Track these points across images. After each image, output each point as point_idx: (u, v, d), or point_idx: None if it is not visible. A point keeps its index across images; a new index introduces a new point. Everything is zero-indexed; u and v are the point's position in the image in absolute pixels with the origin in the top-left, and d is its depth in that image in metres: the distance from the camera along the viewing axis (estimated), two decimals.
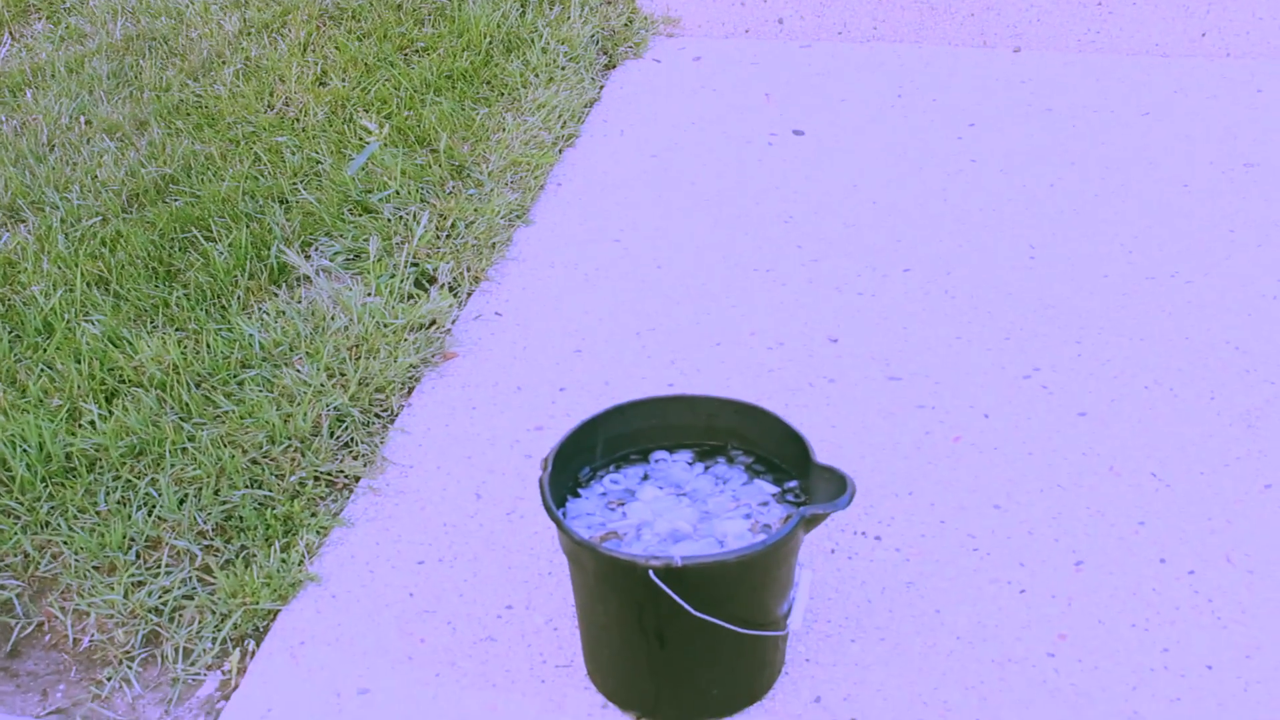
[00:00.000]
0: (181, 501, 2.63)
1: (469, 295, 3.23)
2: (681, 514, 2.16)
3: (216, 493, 2.64)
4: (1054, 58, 4.22)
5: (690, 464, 2.27)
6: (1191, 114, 3.87)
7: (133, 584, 2.49)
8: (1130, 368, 2.91)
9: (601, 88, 4.16)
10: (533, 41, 4.16)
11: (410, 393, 2.94)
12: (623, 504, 2.19)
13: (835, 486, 2.07)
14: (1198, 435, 2.72)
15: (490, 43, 4.12)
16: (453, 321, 3.13)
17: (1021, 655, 2.28)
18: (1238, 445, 2.70)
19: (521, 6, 4.32)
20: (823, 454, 2.26)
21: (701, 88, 4.19)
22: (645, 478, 2.25)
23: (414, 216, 3.39)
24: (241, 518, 2.59)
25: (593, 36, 4.29)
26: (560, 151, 3.80)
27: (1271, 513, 2.54)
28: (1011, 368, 2.93)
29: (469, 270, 3.27)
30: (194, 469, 2.68)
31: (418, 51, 4.12)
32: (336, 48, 4.12)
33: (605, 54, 4.31)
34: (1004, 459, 2.69)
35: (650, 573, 1.94)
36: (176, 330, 3.04)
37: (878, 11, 4.37)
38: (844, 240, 3.38)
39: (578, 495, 2.21)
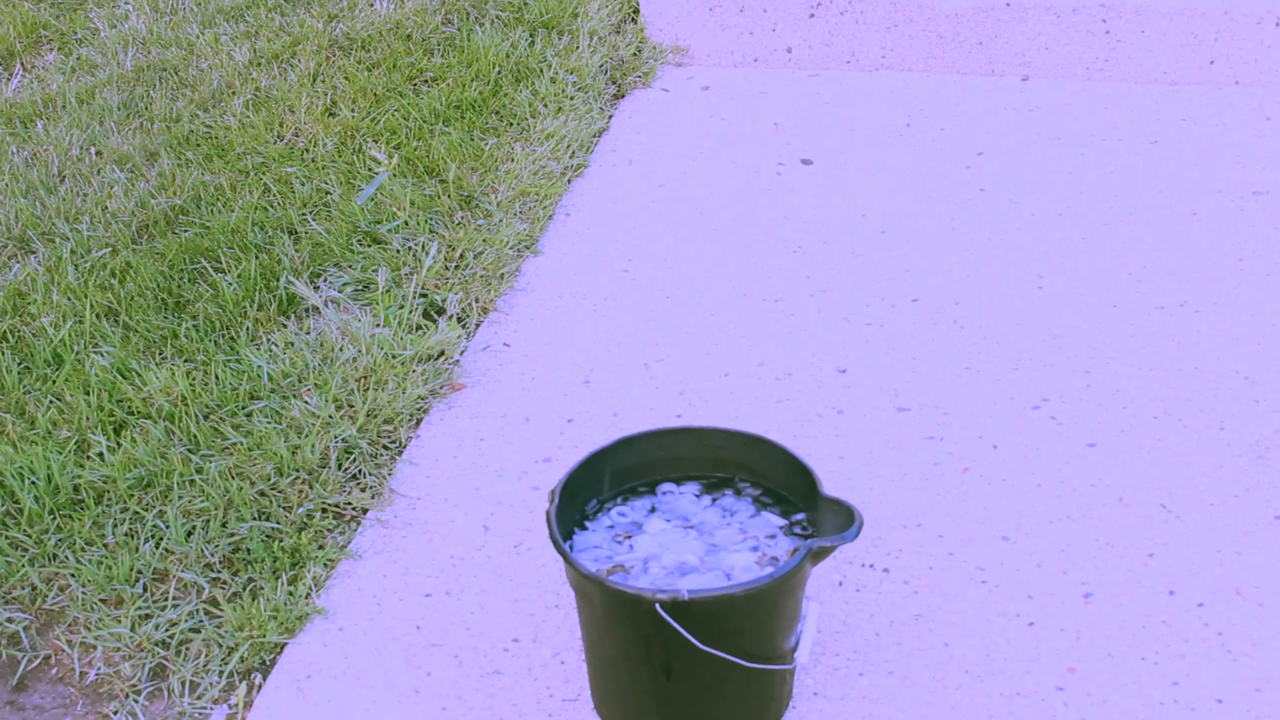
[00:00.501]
0: (189, 534, 2.63)
1: (477, 326, 3.23)
2: (689, 547, 2.15)
3: (224, 525, 2.64)
4: (1062, 86, 4.22)
5: (698, 496, 2.27)
6: (1200, 142, 3.87)
7: (140, 617, 2.49)
8: (1140, 398, 2.90)
9: (610, 117, 4.17)
10: (541, 71, 4.17)
11: (418, 424, 2.94)
12: (630, 537, 2.19)
13: (843, 519, 2.07)
14: (1208, 466, 2.71)
15: (499, 73, 4.14)
16: (461, 352, 3.13)
17: (1031, 689, 2.27)
18: (1247, 476, 2.69)
19: (530, 36, 4.33)
20: (831, 485, 2.26)
21: (710, 117, 4.19)
22: (652, 510, 2.24)
23: (423, 247, 3.39)
24: (249, 550, 2.59)
25: (601, 66, 4.31)
26: (569, 181, 3.81)
27: None
28: (1020, 398, 2.92)
29: (477, 301, 3.27)
30: (202, 501, 2.68)
31: (427, 81, 4.13)
32: (346, 78, 4.13)
33: (614, 84, 4.32)
34: (1013, 490, 2.68)
35: (657, 606, 1.93)
36: (185, 361, 3.05)
37: (886, 40, 4.38)
38: (852, 270, 3.38)
39: (585, 528, 2.21)
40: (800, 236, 3.54)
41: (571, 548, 2.16)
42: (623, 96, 4.31)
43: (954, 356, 3.06)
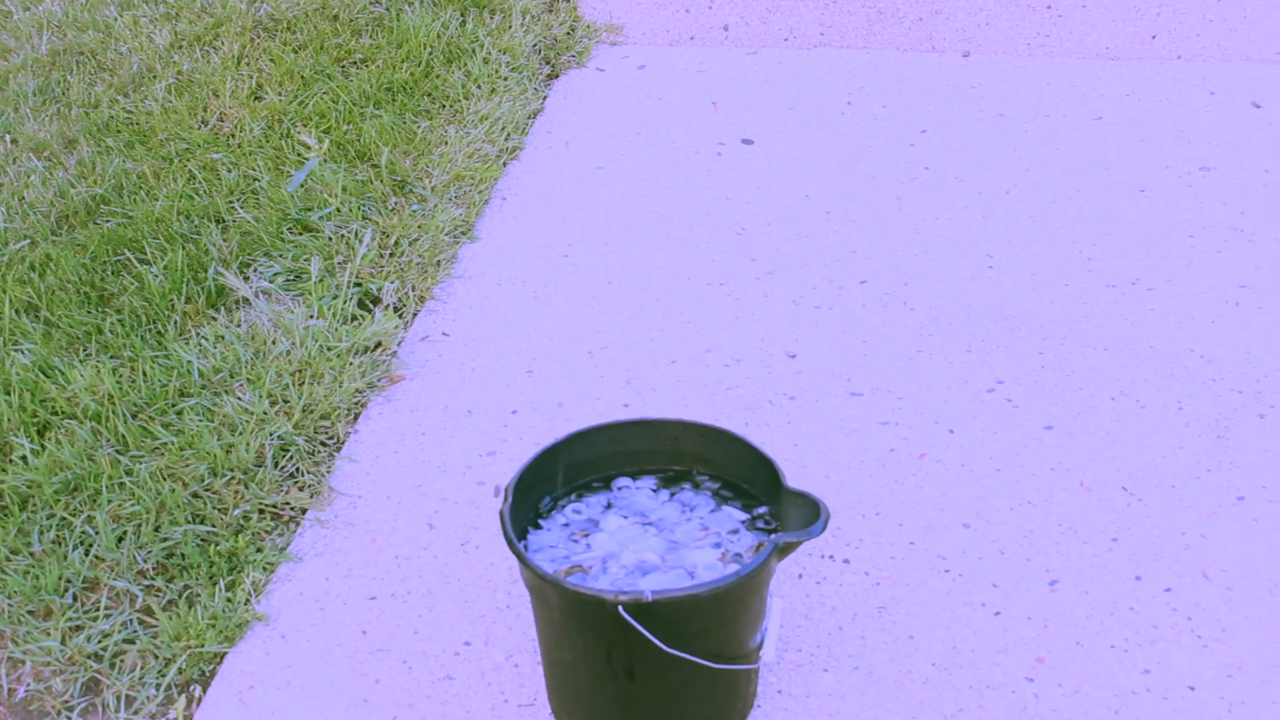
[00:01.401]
0: (120, 540, 2.51)
1: (415, 315, 3.13)
2: (648, 544, 2.07)
3: (157, 529, 2.53)
4: (1004, 62, 4.16)
5: (655, 490, 2.18)
6: (1144, 117, 3.83)
7: (70, 629, 2.37)
8: (1095, 379, 2.85)
9: (545, 98, 4.07)
10: (474, 52, 4.06)
11: (357, 419, 2.83)
12: (586, 535, 2.10)
13: (808, 512, 1.99)
14: (1167, 447, 2.67)
15: (430, 53, 4.02)
16: (399, 343, 3.03)
17: (1000, 681, 2.21)
18: (1208, 457, 2.64)
19: (462, 16, 4.22)
20: (786, 474, 2.18)
21: (647, 97, 4.10)
22: (609, 506, 2.16)
23: (356, 235, 3.28)
24: (184, 555, 2.47)
25: (535, 46, 4.20)
26: (504, 165, 3.71)
27: (1246, 526, 2.48)
28: (974, 381, 2.86)
29: (414, 290, 3.17)
30: (132, 505, 2.56)
31: (356, 63, 4.01)
32: (271, 60, 4.00)
33: (548, 63, 4.22)
34: (971, 476, 2.62)
35: (620, 608, 1.85)
36: (111, 358, 2.92)
37: (825, 17, 4.31)
38: (798, 252, 3.31)
39: (539, 526, 2.12)
40: (743, 218, 3.46)
41: (526, 548, 2.06)
42: (557, 76, 4.21)
43: (905, 339, 2.99)
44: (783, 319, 3.07)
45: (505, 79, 4.00)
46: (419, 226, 3.34)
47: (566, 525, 2.12)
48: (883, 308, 3.10)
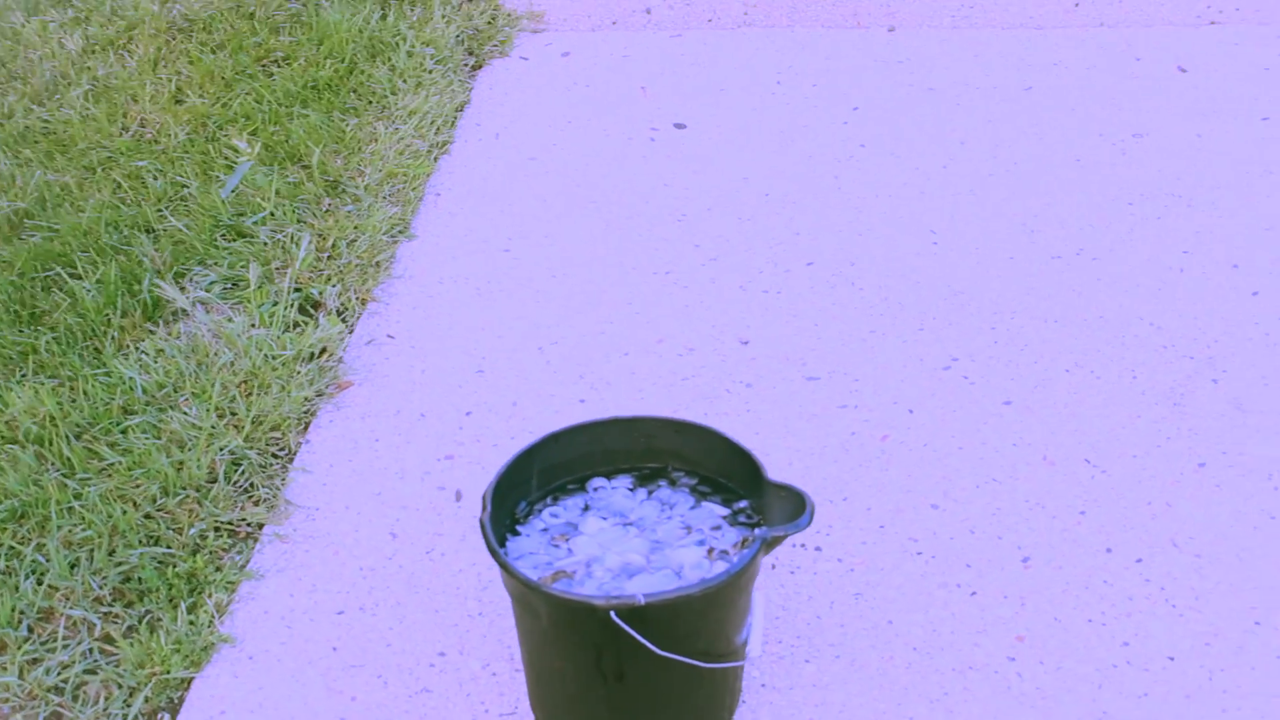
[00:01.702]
0: (73, 566, 2.43)
1: (358, 319, 3.06)
2: (631, 545, 2.03)
3: (111, 553, 2.45)
4: (930, 35, 4.16)
5: (632, 489, 2.15)
6: (1073, 86, 3.84)
7: (28, 662, 2.29)
8: (1049, 351, 2.85)
9: (470, 89, 4.01)
10: (397, 46, 3.99)
11: (307, 428, 2.77)
12: (567, 539, 2.06)
13: (791, 505, 1.97)
14: (1126, 417, 2.68)
15: (354, 49, 3.94)
16: (344, 348, 2.97)
17: (982, 661, 2.20)
18: (1167, 425, 2.65)
19: (382, 8, 4.14)
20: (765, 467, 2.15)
21: (574, 84, 4.05)
22: (586, 508, 2.12)
23: (292, 239, 3.21)
24: (141, 579, 2.40)
25: (458, 37, 4.14)
26: (436, 159, 3.65)
27: (1209, 492, 2.50)
28: (929, 359, 2.85)
29: (355, 292, 3.10)
30: (84, 529, 2.48)
31: (277, 62, 3.92)
32: (190, 62, 3.90)
33: (472, 54, 4.16)
34: (935, 455, 2.61)
35: (612, 614, 1.81)
36: (49, 378, 2.83)
37: None
38: (741, 236, 3.28)
39: (516, 533, 2.08)
40: (683, 204, 3.43)
41: (505, 555, 2.02)
42: (481, 67, 4.15)
43: (857, 320, 2.98)
44: (732, 305, 3.05)
45: (430, 72, 3.94)
46: (355, 227, 3.27)
47: (545, 530, 2.08)
48: (831, 289, 3.08)
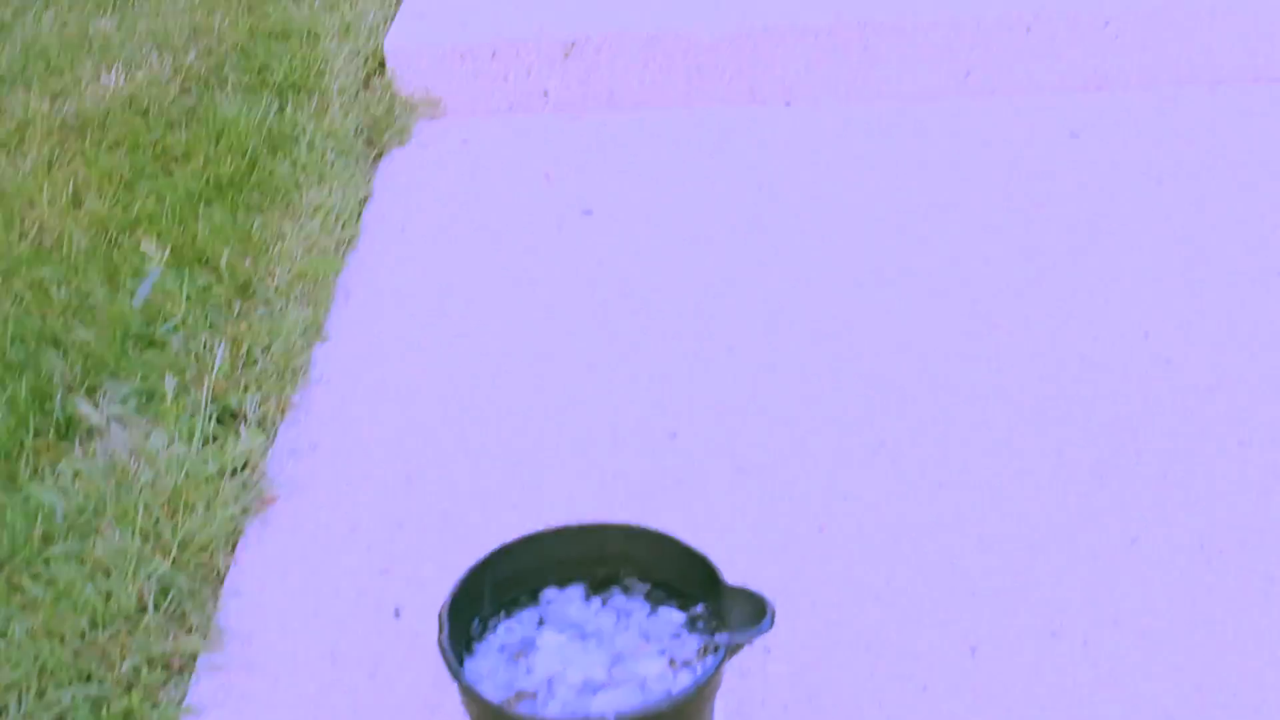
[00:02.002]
0: (2, 711, 2.35)
1: (277, 429, 3.01)
2: (592, 659, 2.02)
3: (41, 695, 2.37)
4: (827, 108, 4.21)
5: (585, 599, 2.14)
6: (970, 156, 3.91)
7: None
8: (976, 433, 2.88)
9: (372, 181, 3.97)
10: (298, 139, 3.94)
11: (234, 548, 2.71)
12: (523, 655, 2.04)
13: (750, 608, 1.98)
14: (1055, 496, 2.71)
15: (254, 143, 3.88)
16: (267, 461, 2.91)
17: None
18: (1095, 501, 2.70)
19: (279, 100, 4.10)
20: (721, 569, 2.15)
21: (475, 171, 4.04)
22: (541, 622, 2.10)
23: (205, 346, 3.14)
24: None
25: (356, 128, 4.11)
26: (344, 256, 3.61)
27: (1146, 567, 2.53)
28: (857, 446, 2.87)
29: (275, 401, 3.05)
30: (11, 670, 2.39)
31: (176, 159, 3.86)
32: (86, 162, 3.82)
33: (371, 144, 4.13)
34: (874, 545, 2.62)
35: None
36: None
37: (645, 76, 4.30)
38: (659, 324, 3.29)
39: (472, 651, 2.05)
40: (597, 292, 3.42)
41: (466, 678, 1.99)
42: (382, 156, 4.12)
43: (781, 407, 2.99)
44: (658, 397, 3.05)
45: (332, 165, 3.90)
46: (268, 332, 3.22)
47: (502, 648, 2.06)
48: (752, 377, 3.10)
